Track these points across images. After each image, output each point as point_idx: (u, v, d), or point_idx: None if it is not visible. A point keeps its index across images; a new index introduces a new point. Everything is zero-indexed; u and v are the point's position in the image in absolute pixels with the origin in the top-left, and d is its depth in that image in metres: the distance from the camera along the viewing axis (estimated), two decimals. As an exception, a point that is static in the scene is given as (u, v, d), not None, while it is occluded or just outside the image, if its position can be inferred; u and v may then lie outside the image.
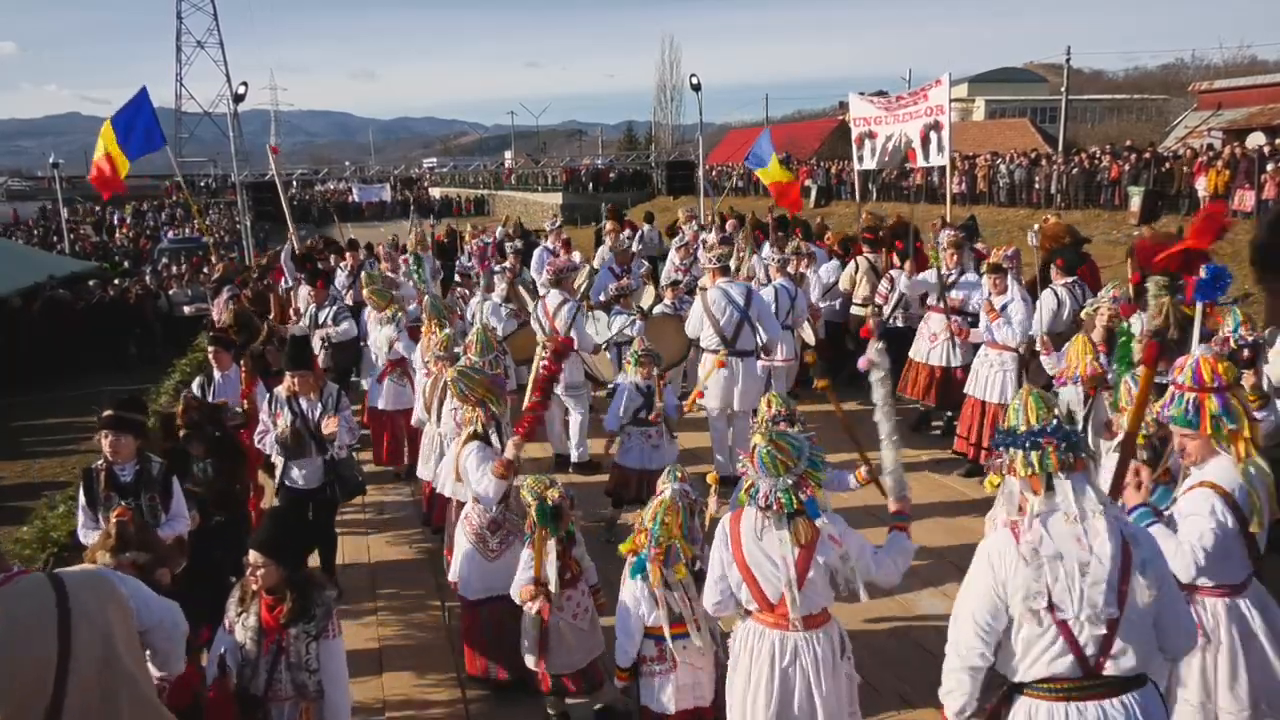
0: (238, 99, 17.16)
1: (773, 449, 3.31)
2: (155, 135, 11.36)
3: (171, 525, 4.65)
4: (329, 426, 5.80)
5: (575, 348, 7.65)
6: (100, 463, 4.71)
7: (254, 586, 3.50)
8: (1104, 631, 2.78)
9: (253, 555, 3.48)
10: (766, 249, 10.56)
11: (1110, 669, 2.82)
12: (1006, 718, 2.99)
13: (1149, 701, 2.87)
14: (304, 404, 5.90)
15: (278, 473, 6.03)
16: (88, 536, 4.52)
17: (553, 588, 4.24)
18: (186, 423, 5.51)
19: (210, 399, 6.55)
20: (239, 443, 6.01)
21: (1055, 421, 2.95)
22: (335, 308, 9.23)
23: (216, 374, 7.01)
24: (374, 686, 5.07)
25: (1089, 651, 2.80)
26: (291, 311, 10.12)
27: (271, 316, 9.30)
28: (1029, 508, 2.92)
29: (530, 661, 4.40)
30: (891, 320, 9.39)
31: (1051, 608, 2.79)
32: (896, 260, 9.63)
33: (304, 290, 9.99)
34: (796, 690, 3.41)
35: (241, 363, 6.82)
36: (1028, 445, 2.90)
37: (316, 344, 8.55)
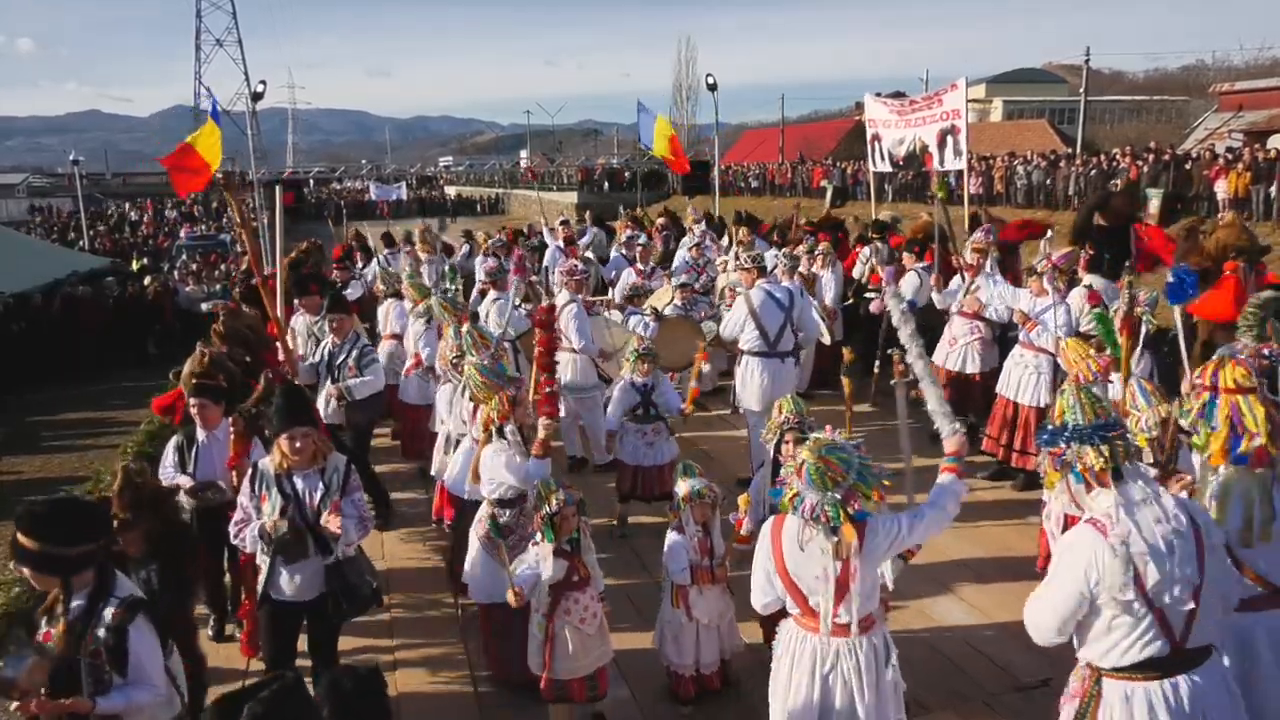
0: (256, 97, 17.18)
1: (822, 465, 3.18)
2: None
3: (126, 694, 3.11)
4: (331, 522, 4.19)
5: (580, 350, 7.75)
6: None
7: None
8: (1192, 605, 2.84)
9: None
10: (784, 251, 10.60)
11: (1192, 642, 2.89)
12: (1098, 700, 3.00)
13: (1225, 671, 3.03)
14: (299, 483, 4.32)
15: (261, 578, 4.43)
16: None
17: (538, 595, 4.23)
18: (124, 506, 4.30)
19: (193, 468, 5.22)
20: (194, 542, 4.90)
21: (1113, 416, 3.03)
22: (360, 347, 7.12)
23: (200, 433, 5.34)
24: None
25: (1178, 630, 2.87)
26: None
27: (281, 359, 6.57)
28: (1102, 501, 2.93)
29: (535, 666, 4.36)
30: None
31: (1146, 598, 2.83)
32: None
33: (300, 320, 8.09)
34: (838, 697, 3.32)
35: (232, 420, 5.17)
36: (1098, 440, 2.94)
37: (324, 403, 6.82)
